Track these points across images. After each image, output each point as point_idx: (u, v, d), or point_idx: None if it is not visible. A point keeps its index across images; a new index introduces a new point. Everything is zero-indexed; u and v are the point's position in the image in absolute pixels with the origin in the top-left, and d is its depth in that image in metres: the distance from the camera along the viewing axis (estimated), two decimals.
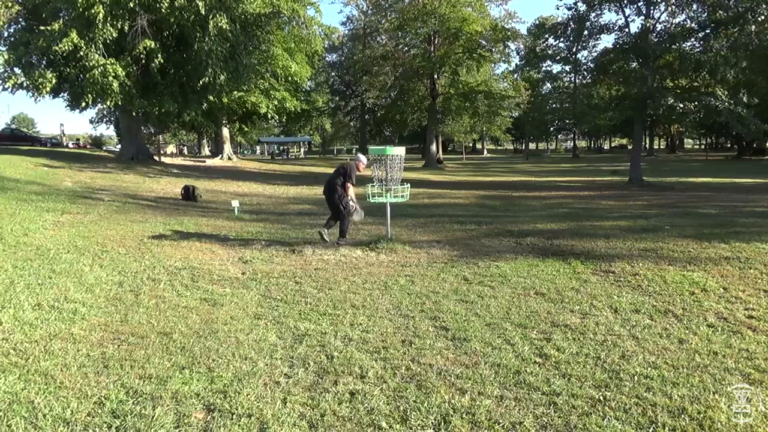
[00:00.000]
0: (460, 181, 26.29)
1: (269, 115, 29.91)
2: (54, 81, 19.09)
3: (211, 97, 23.20)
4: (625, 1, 21.46)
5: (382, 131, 58.97)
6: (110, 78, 18.61)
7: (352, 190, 8.15)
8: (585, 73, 26.11)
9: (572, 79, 39.05)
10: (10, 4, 18.80)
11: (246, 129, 50.22)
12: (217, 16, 19.10)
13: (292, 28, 27.10)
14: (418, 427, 2.94)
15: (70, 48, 17.92)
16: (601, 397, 3.24)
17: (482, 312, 4.90)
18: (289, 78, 26.52)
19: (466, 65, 37.56)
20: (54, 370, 3.61)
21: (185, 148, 65.42)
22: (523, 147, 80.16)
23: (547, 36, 26.11)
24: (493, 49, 36.97)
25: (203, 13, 18.69)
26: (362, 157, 8.47)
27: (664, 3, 20.83)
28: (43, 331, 4.33)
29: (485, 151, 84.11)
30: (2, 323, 4.46)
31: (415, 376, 3.56)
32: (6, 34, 20.64)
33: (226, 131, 35.44)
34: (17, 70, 19.68)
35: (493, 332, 4.37)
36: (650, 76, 20.75)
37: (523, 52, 40.39)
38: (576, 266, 6.72)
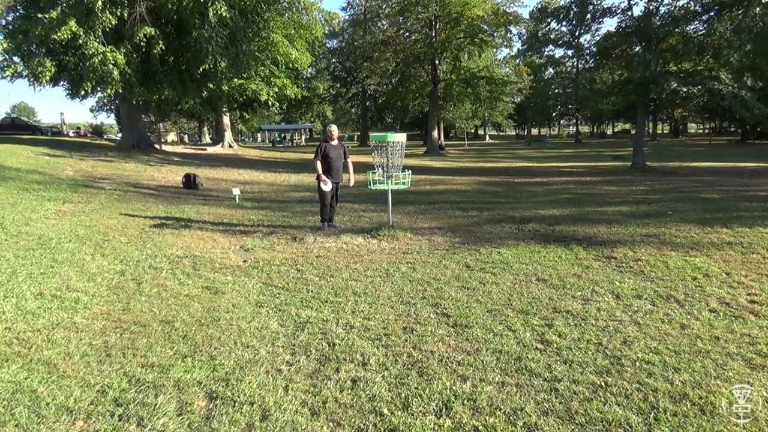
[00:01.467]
0: (462, 167, 26.19)
1: (270, 103, 29.68)
2: (53, 69, 19.00)
3: (210, 85, 23.08)
4: None
5: (383, 118, 58.76)
6: (110, 66, 18.52)
7: (318, 166, 8.20)
8: (587, 57, 25.83)
9: (575, 63, 38.69)
10: None
11: (247, 116, 50.05)
12: (217, 2, 18.93)
13: (292, 14, 26.84)
14: (420, 414, 2.95)
15: (69, 36, 17.80)
16: (603, 383, 3.24)
17: (484, 298, 4.89)
18: (290, 65, 26.31)
19: (467, 50, 37.29)
20: (57, 359, 3.63)
21: (186, 136, 65.25)
22: (526, 133, 79.77)
23: (549, 20, 25.77)
24: (495, 34, 36.63)
25: None
26: (333, 126, 8.57)
27: None
28: (45, 320, 4.35)
29: (487, 137, 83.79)
30: (5, 312, 4.48)
31: (417, 363, 3.56)
32: (4, 23, 20.54)
33: (226, 119, 35.31)
34: (16, 59, 19.60)
35: (494, 319, 4.37)
36: (653, 59, 20.53)
37: (525, 37, 40.06)
38: (578, 252, 6.71)
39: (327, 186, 8.18)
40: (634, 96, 22.02)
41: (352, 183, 8.72)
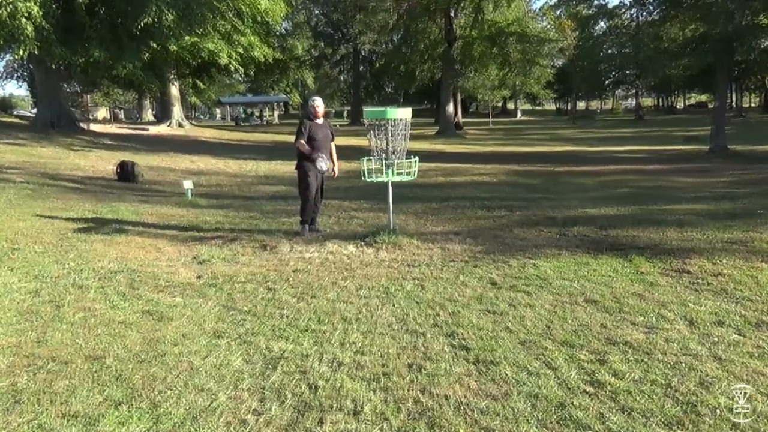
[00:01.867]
0: (486, 152, 26.24)
1: (232, 68, 29.72)
2: None
3: (154, 44, 23.08)
4: None
5: (381, 87, 58.82)
6: (22, 20, 18.48)
7: (304, 147, 8.19)
8: (651, 7, 25.95)
9: (634, 15, 38.80)
10: None
11: (202, 86, 50.08)
12: None
13: None
14: None
15: None
16: None
17: (515, 326, 4.89)
18: (258, 18, 26.33)
19: None
20: None
21: (121, 111, 65.31)
22: (569, 107, 79.82)
23: None
24: None
25: None
26: (317, 100, 8.60)
27: None
28: None
29: (519, 113, 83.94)
30: None
31: (426, 412, 3.55)
32: None
33: (174, 89, 35.33)
34: None
35: (528, 353, 4.36)
36: (738, 10, 20.56)
37: None
38: (639, 264, 6.71)
39: (323, 164, 8.06)
40: (713, 57, 22.03)
41: (336, 173, 8.78)
